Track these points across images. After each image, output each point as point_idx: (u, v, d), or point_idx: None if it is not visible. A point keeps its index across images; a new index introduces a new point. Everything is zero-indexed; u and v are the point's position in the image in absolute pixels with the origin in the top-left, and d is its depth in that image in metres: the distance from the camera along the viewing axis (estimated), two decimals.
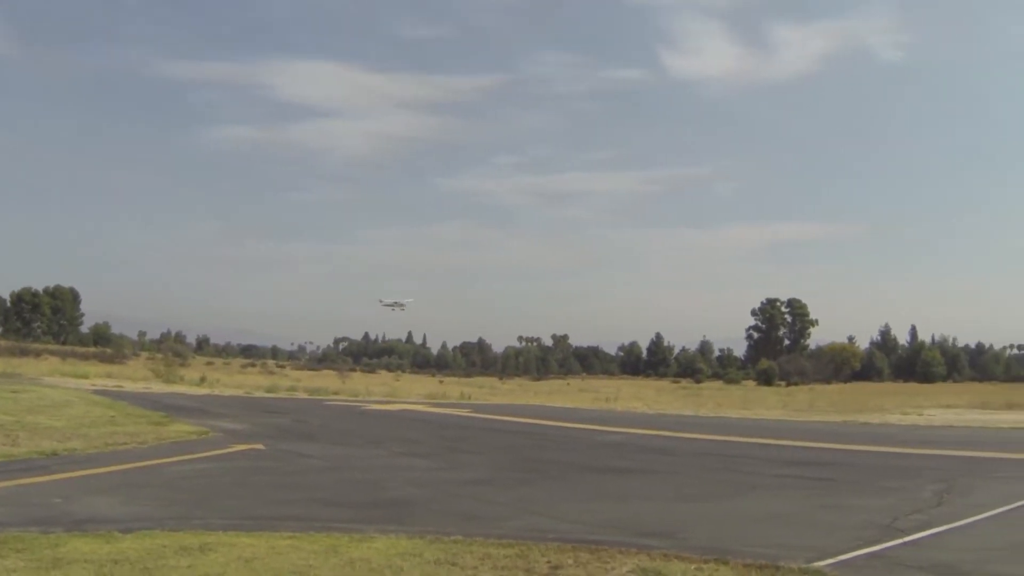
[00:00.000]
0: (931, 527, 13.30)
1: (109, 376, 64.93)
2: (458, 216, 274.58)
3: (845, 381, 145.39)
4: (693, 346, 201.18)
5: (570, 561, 10.38)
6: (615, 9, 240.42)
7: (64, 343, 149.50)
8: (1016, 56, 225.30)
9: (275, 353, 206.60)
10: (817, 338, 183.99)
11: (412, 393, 66.92)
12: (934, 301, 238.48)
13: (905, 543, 12.10)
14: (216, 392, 55.53)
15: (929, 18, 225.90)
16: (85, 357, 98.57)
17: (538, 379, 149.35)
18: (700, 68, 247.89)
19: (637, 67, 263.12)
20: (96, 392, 44.18)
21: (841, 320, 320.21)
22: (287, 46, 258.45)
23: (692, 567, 10.10)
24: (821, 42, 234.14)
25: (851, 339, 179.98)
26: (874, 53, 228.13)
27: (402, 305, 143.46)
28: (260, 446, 23.76)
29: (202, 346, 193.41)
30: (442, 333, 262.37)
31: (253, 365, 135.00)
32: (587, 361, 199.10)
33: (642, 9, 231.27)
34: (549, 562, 10.30)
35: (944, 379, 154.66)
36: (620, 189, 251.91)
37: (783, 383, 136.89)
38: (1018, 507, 15.54)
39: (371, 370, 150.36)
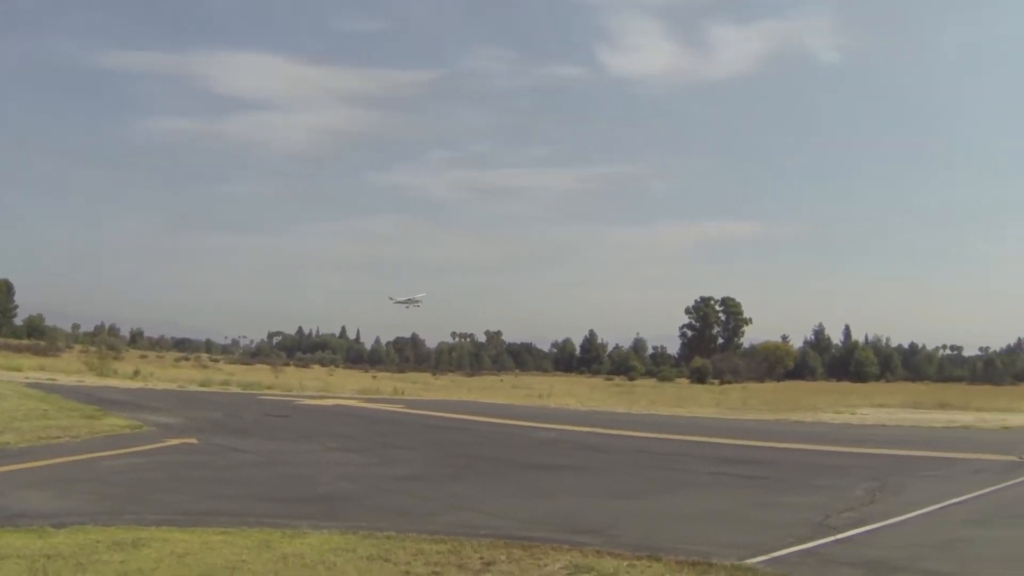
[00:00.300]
0: (864, 525, 13.57)
1: (42, 369, 64.41)
2: (393, 211, 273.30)
3: (778, 380, 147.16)
4: (627, 343, 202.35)
5: (503, 557, 10.41)
6: (554, 6, 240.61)
7: None
8: (949, 60, 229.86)
9: (209, 347, 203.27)
10: (751, 337, 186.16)
11: (345, 388, 66.52)
12: (868, 301, 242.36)
13: (838, 540, 12.32)
14: (150, 386, 55.06)
15: (867, 21, 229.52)
16: (18, 350, 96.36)
17: (471, 375, 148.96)
18: (638, 66, 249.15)
19: (575, 64, 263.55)
20: (29, 385, 43.65)
21: (775, 319, 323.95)
22: (225, 37, 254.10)
23: (624, 564, 10.17)
24: (759, 43, 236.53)
25: (785, 338, 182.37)
26: (812, 54, 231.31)
27: (417, 302, 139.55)
28: (193, 440, 23.64)
29: (136, 339, 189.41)
30: (376, 328, 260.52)
31: (187, 359, 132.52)
32: (520, 358, 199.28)
33: (581, 6, 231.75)
34: (482, 558, 10.33)
35: (877, 379, 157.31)
36: (556, 186, 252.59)
37: (716, 381, 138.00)
38: (948, 505, 15.91)
39: (304, 365, 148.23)
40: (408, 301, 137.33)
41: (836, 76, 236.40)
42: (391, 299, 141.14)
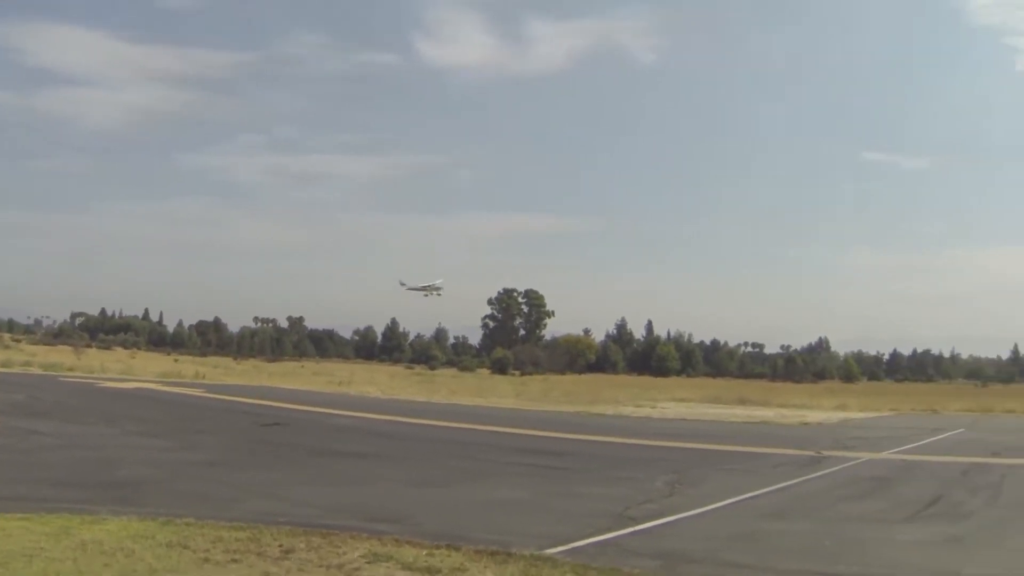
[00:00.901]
0: (663, 516, 14.01)
1: None
2: (202, 193, 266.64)
3: (580, 372, 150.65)
4: (429, 333, 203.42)
5: (302, 545, 10.33)
6: None
7: None
8: (759, 65, 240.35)
9: (11, 327, 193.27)
10: (553, 329, 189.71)
11: (147, 371, 65.02)
12: (671, 297, 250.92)
13: (637, 532, 12.68)
14: None
15: (682, 24, 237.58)
16: None
17: (273, 360, 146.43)
18: (454, 57, 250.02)
19: (390, 52, 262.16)
20: None
21: (578, 312, 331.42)
22: (40, 9, 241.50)
23: (424, 553, 10.21)
24: (577, 40, 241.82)
25: (587, 331, 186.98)
26: (628, 54, 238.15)
27: (438, 289, 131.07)
28: None
29: None
30: (179, 311, 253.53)
31: None
32: (322, 344, 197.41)
33: None
34: (281, 546, 10.23)
35: (678, 373, 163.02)
36: (364, 173, 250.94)
37: (517, 372, 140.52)
38: (747, 498, 16.59)
39: (107, 347, 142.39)
40: (428, 288, 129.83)
41: (649, 76, 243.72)
42: (403, 285, 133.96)
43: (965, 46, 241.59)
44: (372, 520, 12.48)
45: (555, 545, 11.14)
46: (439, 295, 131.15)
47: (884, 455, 25.96)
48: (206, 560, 9.47)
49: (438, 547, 10.48)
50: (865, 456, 25.32)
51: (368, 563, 9.75)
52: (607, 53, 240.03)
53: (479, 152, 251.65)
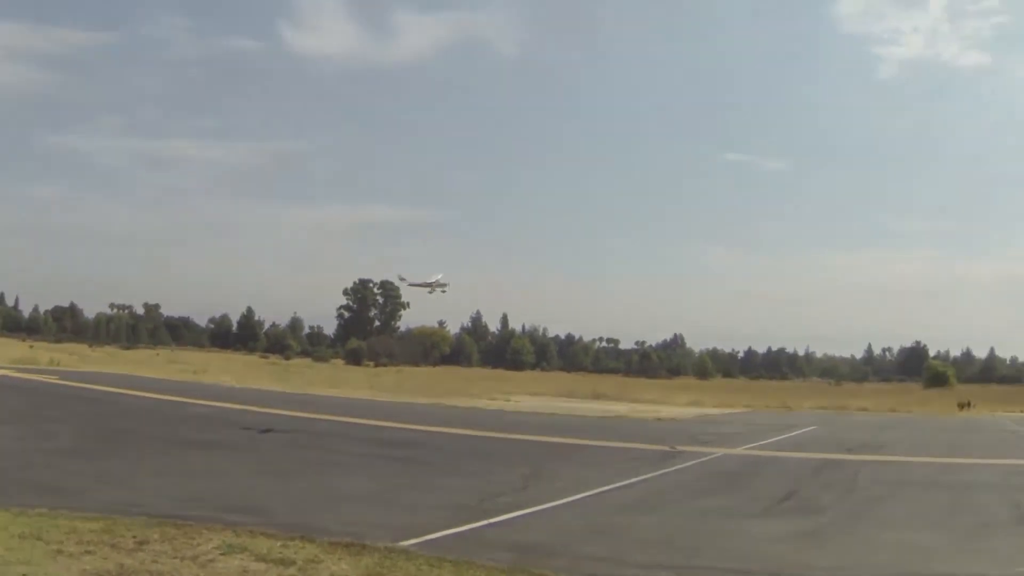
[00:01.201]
0: (518, 509, 14.06)
1: None
2: (60, 175, 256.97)
3: (434, 365, 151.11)
4: (284, 322, 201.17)
5: (156, 537, 10.05)
6: None
7: None
8: (623, 62, 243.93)
9: None
10: (408, 321, 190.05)
11: (1, 358, 62.43)
12: (526, 291, 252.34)
13: (492, 524, 12.72)
14: None
15: (548, 19, 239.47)
16: None
17: (128, 348, 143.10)
18: (318, 45, 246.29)
19: (255, 38, 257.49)
20: None
21: (434, 304, 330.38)
22: None
23: (278, 544, 10.05)
24: (441, 31, 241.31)
25: (442, 323, 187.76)
26: (491, 47, 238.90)
27: (443, 285, 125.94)
28: None
29: None
30: (35, 296, 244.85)
31: None
32: (177, 332, 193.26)
33: None
34: (135, 537, 9.92)
35: (533, 367, 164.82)
36: (224, 159, 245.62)
37: (371, 364, 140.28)
38: (600, 492, 16.76)
39: None
40: (433, 285, 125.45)
41: (512, 69, 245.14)
42: (403, 280, 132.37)
43: (831, 53, 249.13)
44: (226, 511, 12.22)
45: (409, 537, 11.07)
46: (444, 292, 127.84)
47: (738, 451, 26.63)
48: (59, 552, 9.15)
49: (292, 538, 10.32)
50: (719, 452, 25.88)
51: (222, 554, 9.55)
52: (471, 45, 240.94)
53: (340, 141, 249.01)
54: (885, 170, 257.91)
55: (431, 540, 11.17)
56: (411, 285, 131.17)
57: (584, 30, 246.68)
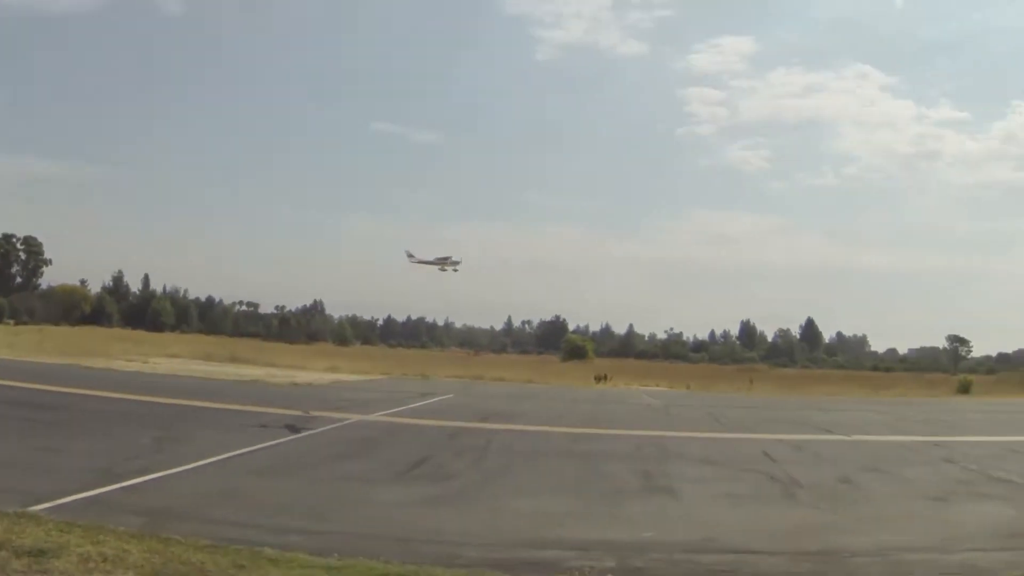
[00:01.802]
0: (150, 473, 14.19)
1: None
2: None
3: (75, 324, 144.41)
4: None
5: None
6: None
7: None
8: (281, 26, 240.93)
9: None
10: (51, 278, 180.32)
11: None
12: (169, 251, 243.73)
13: (122, 488, 12.82)
14: None
15: None
16: None
17: None
18: None
19: None
20: None
21: (78, 262, 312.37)
22: None
23: None
24: None
25: (83, 282, 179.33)
26: (154, 2, 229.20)
27: (456, 263, 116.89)
28: None
29: None
30: None
31: None
32: None
33: None
34: None
35: (173, 329, 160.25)
36: None
37: (12, 322, 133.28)
38: (233, 456, 17.09)
39: None
40: (443, 262, 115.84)
41: (177, 26, 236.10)
42: (411, 258, 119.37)
43: (492, 32, 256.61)
44: None
45: (39, 502, 11.03)
46: (456, 270, 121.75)
47: (373, 417, 27.30)
48: None
49: None
50: (354, 418, 26.46)
51: None
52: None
53: None
54: (538, 150, 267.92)
55: (61, 505, 11.18)
56: (420, 263, 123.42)
57: None
